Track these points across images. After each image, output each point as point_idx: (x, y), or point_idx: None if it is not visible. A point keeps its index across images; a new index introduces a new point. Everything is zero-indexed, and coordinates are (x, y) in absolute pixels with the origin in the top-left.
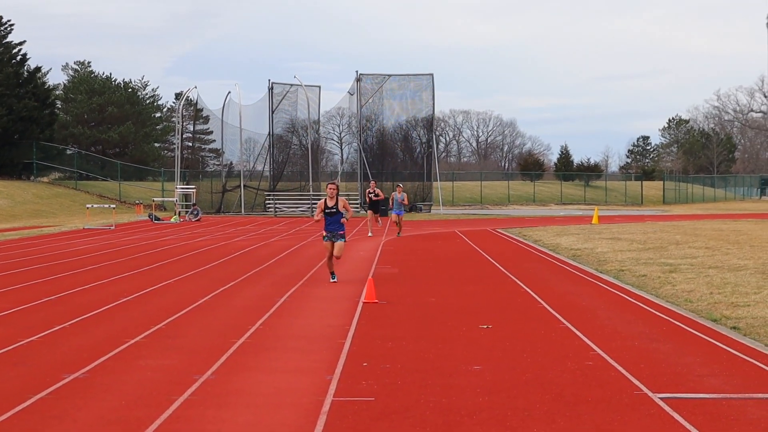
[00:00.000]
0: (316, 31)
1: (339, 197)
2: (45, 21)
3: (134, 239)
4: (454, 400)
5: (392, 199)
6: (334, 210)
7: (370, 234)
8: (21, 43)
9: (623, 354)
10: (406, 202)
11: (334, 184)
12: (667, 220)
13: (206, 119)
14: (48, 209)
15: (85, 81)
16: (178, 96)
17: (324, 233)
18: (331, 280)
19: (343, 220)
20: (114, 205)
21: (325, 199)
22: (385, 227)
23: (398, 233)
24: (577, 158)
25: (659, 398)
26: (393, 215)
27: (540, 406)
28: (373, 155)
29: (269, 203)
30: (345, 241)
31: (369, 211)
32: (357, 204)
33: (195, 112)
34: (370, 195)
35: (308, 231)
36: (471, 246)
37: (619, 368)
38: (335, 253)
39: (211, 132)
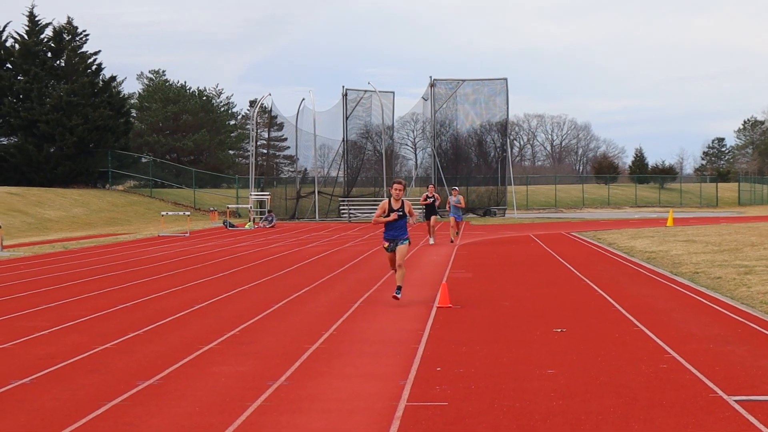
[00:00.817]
0: (390, 37)
1: (404, 200)
2: (119, 30)
3: (209, 246)
4: (528, 404)
5: (449, 204)
6: (401, 213)
7: (431, 242)
8: (96, 53)
9: (698, 357)
10: (462, 205)
11: (400, 183)
12: (743, 222)
13: (280, 126)
14: (123, 217)
15: (159, 89)
16: (252, 103)
17: (385, 243)
18: (395, 294)
19: (410, 222)
20: (189, 213)
21: (390, 200)
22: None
23: (451, 240)
24: (651, 161)
25: (734, 401)
26: (451, 219)
27: (614, 410)
28: (447, 160)
29: (343, 209)
30: (409, 243)
31: (432, 218)
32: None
33: (269, 119)
34: (429, 199)
35: (382, 237)
36: (545, 250)
37: (694, 371)
38: (397, 259)
39: (286, 139)
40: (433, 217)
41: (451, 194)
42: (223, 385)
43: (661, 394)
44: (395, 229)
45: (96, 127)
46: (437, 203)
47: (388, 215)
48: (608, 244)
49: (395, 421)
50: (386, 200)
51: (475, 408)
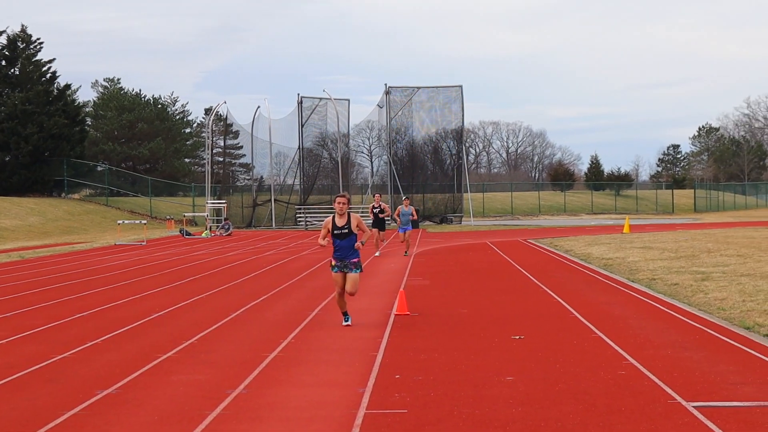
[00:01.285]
0: (345, 44)
1: (351, 214)
2: (74, 38)
3: (165, 254)
4: (487, 411)
5: (398, 214)
6: (346, 230)
7: (377, 254)
8: (51, 61)
9: (656, 363)
10: (415, 216)
11: (344, 196)
12: (699, 229)
13: (236, 134)
14: (79, 226)
15: (114, 97)
16: (207, 111)
17: (332, 261)
18: (344, 323)
19: (357, 245)
20: (145, 221)
21: (333, 217)
22: (388, 246)
23: (405, 252)
24: (607, 168)
25: (693, 407)
26: (399, 232)
27: (573, 416)
28: (403, 168)
29: (300, 217)
30: (361, 271)
31: (374, 229)
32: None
33: (225, 127)
34: (374, 210)
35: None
36: (502, 257)
37: (652, 377)
38: (348, 288)
39: (241, 147)
40: (376, 230)
41: (402, 204)
42: (182, 394)
43: (620, 400)
44: (342, 250)
45: (51, 135)
46: (385, 215)
47: (333, 233)
48: (565, 251)
49: (355, 428)
50: (330, 217)
51: (434, 415)
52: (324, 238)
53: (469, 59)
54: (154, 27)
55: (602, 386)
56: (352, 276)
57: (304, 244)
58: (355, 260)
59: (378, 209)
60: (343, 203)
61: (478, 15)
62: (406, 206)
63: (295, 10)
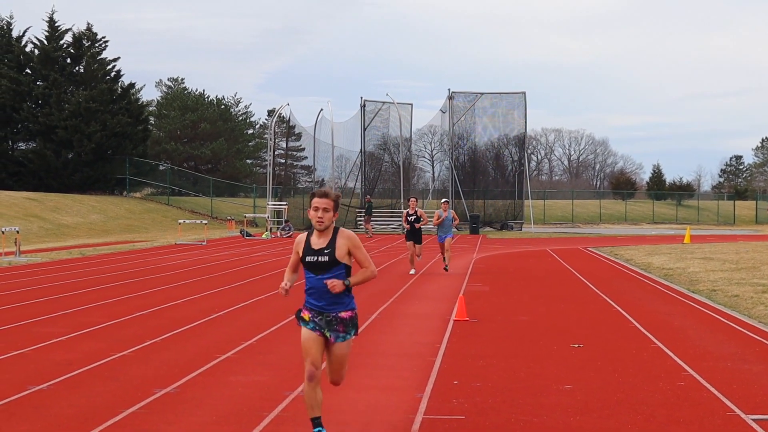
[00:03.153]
0: (408, 48)
1: (341, 230)
2: (138, 37)
3: (226, 255)
4: (545, 419)
5: (437, 218)
6: (325, 258)
7: (412, 272)
8: (115, 60)
9: (715, 375)
10: (457, 220)
11: (326, 196)
12: (760, 240)
13: (298, 136)
14: (140, 224)
15: (178, 97)
16: (270, 113)
17: (303, 312)
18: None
19: (333, 283)
20: (206, 221)
21: (309, 234)
22: (424, 262)
23: (445, 267)
24: (669, 177)
25: (752, 420)
26: (439, 242)
27: (631, 426)
28: (465, 173)
29: (360, 220)
30: (354, 336)
31: (409, 242)
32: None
33: (287, 128)
34: (409, 218)
35: (399, 248)
36: (562, 264)
37: (711, 389)
38: (331, 372)
39: (303, 149)
40: (411, 243)
41: (440, 208)
42: (240, 395)
43: (679, 411)
44: (319, 292)
45: (114, 133)
46: (422, 223)
47: (305, 261)
48: (625, 260)
49: None
50: (304, 235)
51: (492, 422)
52: (293, 273)
53: (531, 66)
54: (218, 27)
55: (661, 397)
56: (339, 349)
57: (366, 247)
58: (347, 314)
59: (414, 217)
60: (327, 206)
61: (541, 22)
62: (445, 210)
63: (359, 13)
